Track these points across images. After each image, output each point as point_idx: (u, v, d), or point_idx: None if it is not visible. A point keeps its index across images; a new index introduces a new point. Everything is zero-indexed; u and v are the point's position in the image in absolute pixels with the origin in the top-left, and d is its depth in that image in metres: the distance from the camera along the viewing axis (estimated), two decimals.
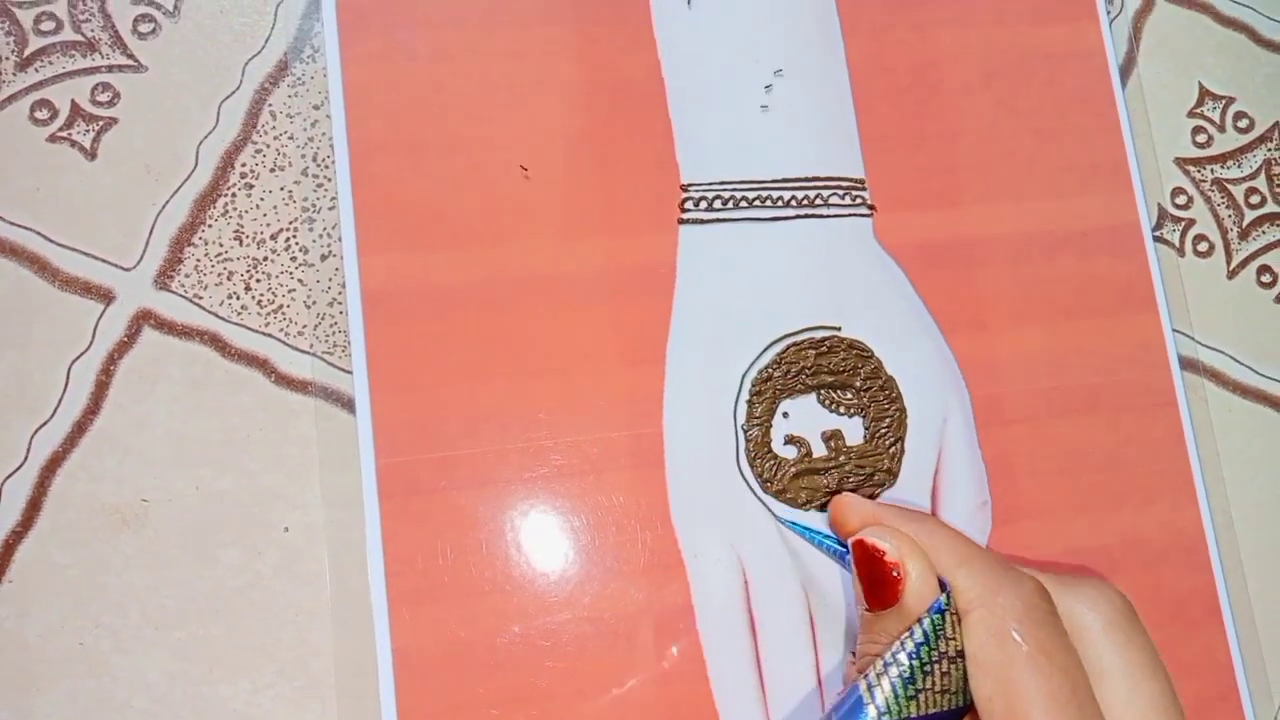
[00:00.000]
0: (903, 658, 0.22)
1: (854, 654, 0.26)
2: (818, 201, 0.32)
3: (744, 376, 0.30)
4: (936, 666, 0.22)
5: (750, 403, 0.30)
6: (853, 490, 0.30)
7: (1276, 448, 0.35)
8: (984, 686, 0.22)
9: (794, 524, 0.29)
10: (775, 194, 0.31)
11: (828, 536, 0.29)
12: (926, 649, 0.22)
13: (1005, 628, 0.22)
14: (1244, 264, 0.36)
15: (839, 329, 0.31)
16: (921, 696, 0.22)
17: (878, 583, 0.24)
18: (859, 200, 0.32)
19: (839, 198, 0.32)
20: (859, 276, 0.31)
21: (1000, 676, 0.22)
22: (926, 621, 0.23)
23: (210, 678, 0.27)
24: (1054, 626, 0.23)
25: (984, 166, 0.33)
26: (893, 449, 0.31)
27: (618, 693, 0.28)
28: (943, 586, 0.24)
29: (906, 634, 0.22)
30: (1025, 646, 0.22)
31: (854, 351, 0.31)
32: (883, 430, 0.31)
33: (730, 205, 0.31)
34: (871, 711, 0.22)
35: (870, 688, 0.22)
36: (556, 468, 0.29)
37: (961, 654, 0.23)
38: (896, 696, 0.22)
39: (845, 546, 0.27)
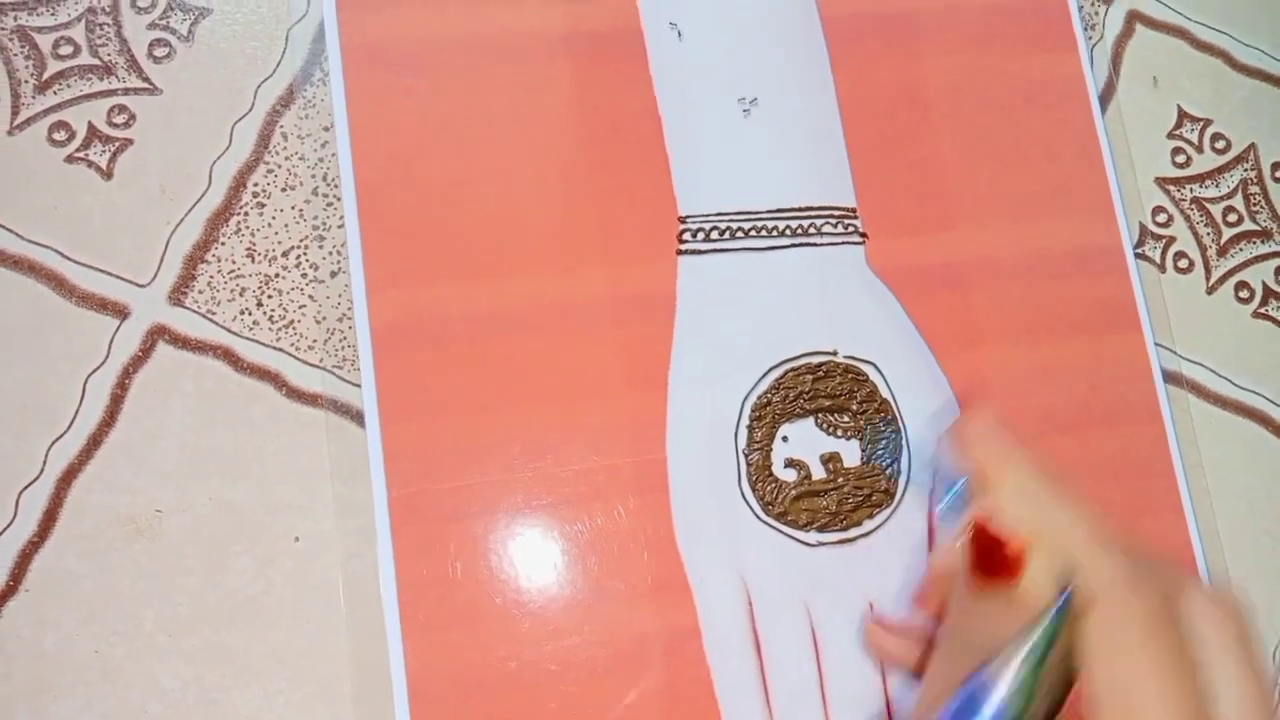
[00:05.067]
0: (1024, 673, 0.22)
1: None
2: (811, 230, 0.33)
3: (744, 402, 0.31)
4: (1051, 673, 0.22)
5: (750, 428, 0.31)
6: (851, 511, 0.31)
7: (1255, 459, 0.36)
8: (1101, 680, 0.22)
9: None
10: (770, 224, 0.32)
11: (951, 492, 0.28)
12: (1048, 656, 0.22)
13: (1133, 629, 0.23)
14: (1222, 280, 0.37)
15: (835, 354, 0.32)
16: (1034, 702, 0.22)
17: (992, 566, 0.24)
18: (851, 229, 0.33)
19: (831, 226, 0.33)
20: (853, 302, 0.32)
21: (1121, 676, 0.22)
22: (1049, 625, 0.23)
23: (223, 684, 0.28)
24: (1174, 632, 0.23)
25: (971, 192, 0.34)
26: (889, 470, 0.31)
27: (628, 715, 0.29)
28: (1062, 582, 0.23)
29: (1028, 643, 0.22)
30: (1148, 648, 0.22)
31: (850, 376, 0.32)
32: (879, 452, 0.31)
33: (727, 236, 0.32)
34: (995, 698, 0.22)
35: (991, 700, 0.22)
36: (563, 494, 0.30)
37: (1074, 665, 0.23)
38: (1020, 688, 0.22)
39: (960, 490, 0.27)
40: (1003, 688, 0.22)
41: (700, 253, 0.32)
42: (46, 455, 0.29)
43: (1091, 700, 0.23)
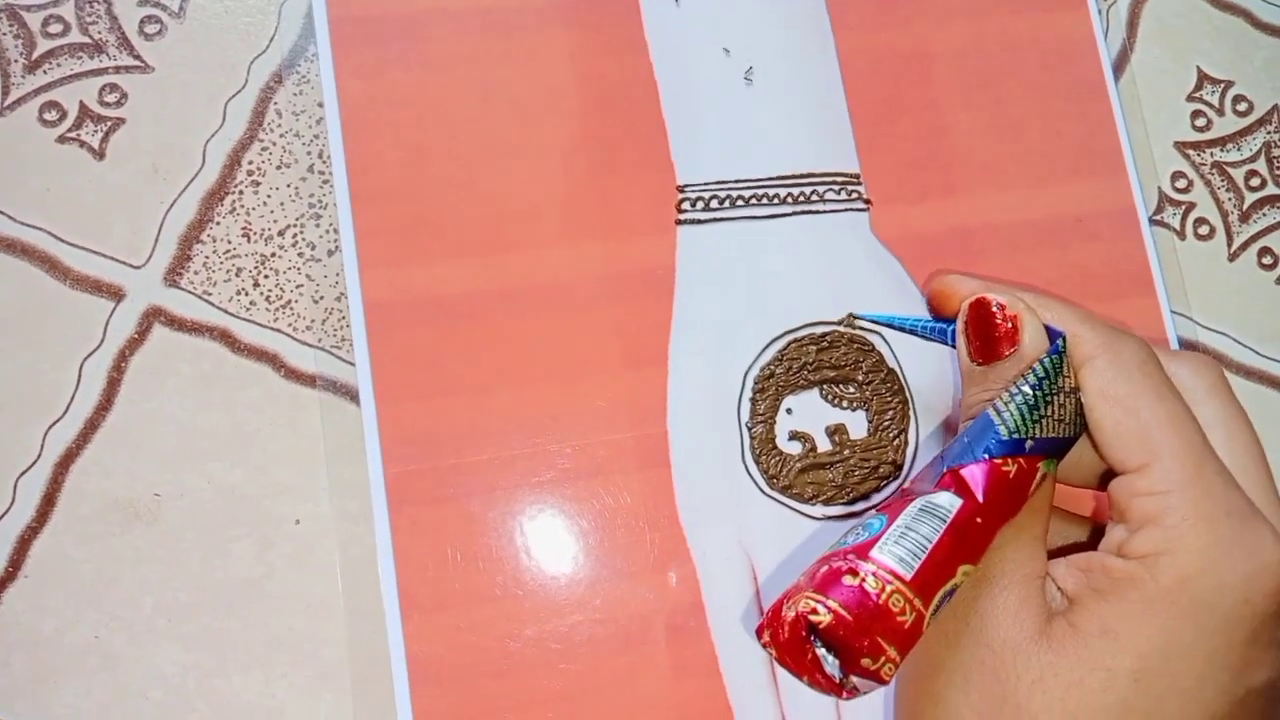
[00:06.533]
0: (1026, 389, 0.25)
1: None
2: (813, 198, 0.32)
3: (746, 374, 0.30)
4: (1055, 398, 0.25)
5: (753, 400, 0.30)
6: (858, 484, 0.30)
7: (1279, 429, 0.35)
8: (1111, 414, 0.25)
9: (877, 317, 0.31)
10: (771, 191, 0.32)
11: (916, 320, 0.31)
12: (1048, 383, 0.25)
13: (1130, 368, 0.25)
14: (1245, 246, 0.36)
15: (843, 323, 0.31)
16: (1043, 422, 0.25)
17: (994, 335, 0.27)
18: (854, 195, 0.32)
19: (834, 193, 0.32)
20: (857, 271, 0.32)
21: (1129, 405, 0.25)
22: (1047, 360, 0.26)
23: (224, 669, 0.28)
24: (1164, 372, 0.26)
25: (978, 157, 0.33)
26: (896, 441, 0.31)
27: (631, 693, 0.28)
28: (1051, 335, 0.27)
29: (1029, 370, 0.25)
30: (1148, 379, 0.25)
31: (855, 345, 0.31)
32: (886, 423, 0.31)
33: (727, 204, 0.31)
34: (1002, 430, 0.24)
35: (999, 411, 0.25)
36: (563, 471, 0.29)
37: (1075, 390, 0.26)
38: (1022, 418, 0.25)
39: (938, 322, 0.30)
40: (1011, 407, 0.25)
41: (700, 222, 0.31)
42: (43, 441, 0.28)
43: (1105, 435, 0.25)
